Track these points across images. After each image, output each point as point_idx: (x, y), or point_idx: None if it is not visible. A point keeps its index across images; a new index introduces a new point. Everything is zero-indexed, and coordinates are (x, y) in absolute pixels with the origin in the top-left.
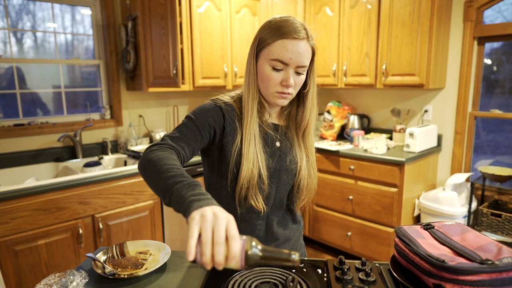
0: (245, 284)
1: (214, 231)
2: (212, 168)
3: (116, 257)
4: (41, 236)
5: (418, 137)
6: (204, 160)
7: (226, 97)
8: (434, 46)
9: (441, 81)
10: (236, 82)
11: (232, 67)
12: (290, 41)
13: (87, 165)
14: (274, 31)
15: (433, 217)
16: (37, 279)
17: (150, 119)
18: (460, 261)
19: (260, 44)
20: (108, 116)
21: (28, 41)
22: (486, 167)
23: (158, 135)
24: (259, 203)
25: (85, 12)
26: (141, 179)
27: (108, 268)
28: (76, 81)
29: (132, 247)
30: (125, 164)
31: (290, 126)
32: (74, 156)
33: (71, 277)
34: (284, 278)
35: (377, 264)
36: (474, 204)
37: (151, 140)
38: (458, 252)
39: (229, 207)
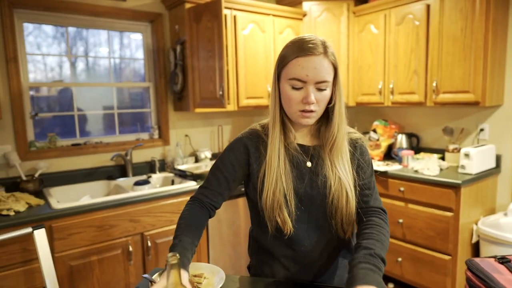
0: None
1: None
2: (248, 194)
3: None
4: (94, 252)
5: (475, 157)
6: (244, 188)
7: (255, 125)
8: (490, 62)
9: (499, 98)
10: None
11: None
12: (304, 58)
13: (137, 183)
14: (290, 50)
15: (495, 245)
16: None
17: (195, 138)
18: None
19: (279, 65)
20: (156, 136)
21: (81, 65)
22: None
23: (203, 155)
24: (286, 224)
25: (134, 37)
26: (188, 198)
27: None
28: (124, 102)
29: (190, 269)
30: (172, 183)
31: (321, 144)
32: (124, 174)
33: None
34: None
35: None
36: None
37: (196, 159)
38: None
39: (266, 231)
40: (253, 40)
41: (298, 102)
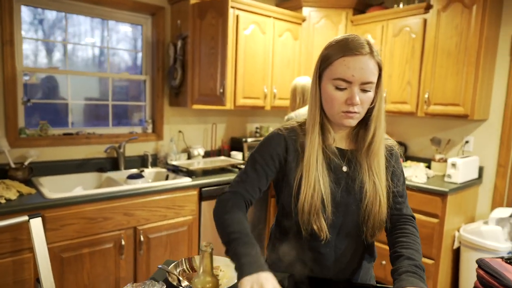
0: None
1: None
2: (279, 193)
3: (187, 271)
4: (86, 245)
5: (461, 168)
6: (274, 184)
7: (293, 123)
8: (480, 78)
9: (485, 113)
10: (274, 103)
11: (271, 89)
12: (352, 58)
13: (131, 177)
14: (335, 50)
15: (475, 251)
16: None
17: (189, 135)
18: None
19: (322, 64)
20: (150, 130)
21: (76, 55)
22: None
23: (196, 151)
24: (322, 229)
25: (127, 29)
26: (184, 194)
27: (185, 282)
28: (107, 94)
29: None
30: (167, 178)
31: (359, 148)
32: (115, 167)
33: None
34: None
35: None
36: None
37: (189, 156)
38: None
39: (294, 232)
40: (253, 41)
41: (341, 103)
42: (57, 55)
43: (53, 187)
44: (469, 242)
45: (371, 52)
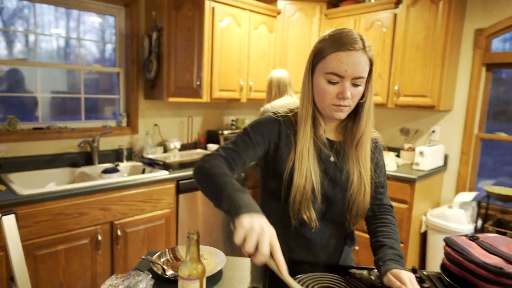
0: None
1: (259, 243)
2: (266, 180)
3: (171, 261)
4: (61, 241)
5: (428, 156)
6: (260, 170)
7: (286, 110)
8: (446, 70)
9: (450, 104)
10: (250, 95)
11: (247, 81)
12: (345, 53)
13: (106, 171)
14: (329, 44)
15: (440, 234)
16: (53, 285)
17: (165, 128)
18: None
19: (315, 58)
20: (124, 124)
21: (40, 46)
22: (491, 186)
23: (172, 145)
24: (312, 218)
25: (94, 20)
26: (161, 187)
27: (170, 271)
28: (76, 87)
29: (184, 252)
30: (143, 172)
31: (347, 140)
32: (89, 161)
33: (139, 278)
34: (347, 285)
35: (424, 272)
36: (478, 223)
37: (165, 149)
38: (509, 260)
39: (281, 219)
40: (229, 33)
41: (333, 97)
42: (18, 46)
43: (24, 184)
44: (435, 226)
45: (364, 47)
